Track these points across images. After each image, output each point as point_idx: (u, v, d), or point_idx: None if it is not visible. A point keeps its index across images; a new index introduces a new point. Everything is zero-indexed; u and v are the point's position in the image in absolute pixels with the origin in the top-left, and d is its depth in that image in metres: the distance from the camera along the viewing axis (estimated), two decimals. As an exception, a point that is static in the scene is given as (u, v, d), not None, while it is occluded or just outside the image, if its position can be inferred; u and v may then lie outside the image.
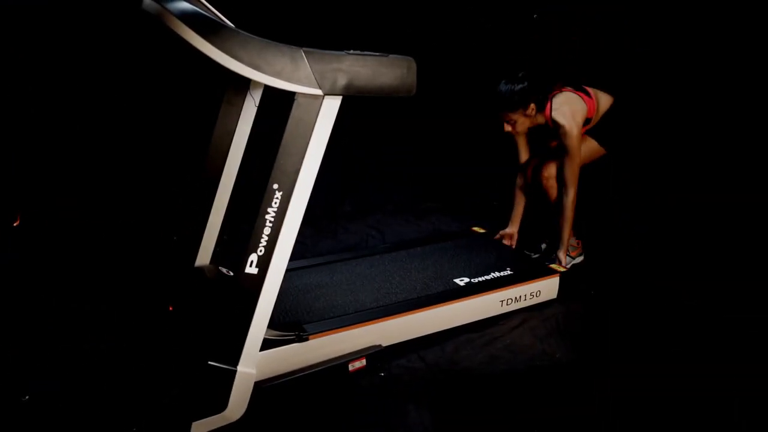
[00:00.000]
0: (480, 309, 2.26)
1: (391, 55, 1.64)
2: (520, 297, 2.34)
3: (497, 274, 2.41)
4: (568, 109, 2.48)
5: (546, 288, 2.41)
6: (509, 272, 2.43)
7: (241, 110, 1.98)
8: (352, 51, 1.58)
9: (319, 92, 1.55)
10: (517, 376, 1.99)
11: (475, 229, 2.94)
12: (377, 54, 1.62)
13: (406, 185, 3.84)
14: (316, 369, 1.84)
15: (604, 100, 2.62)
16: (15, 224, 2.85)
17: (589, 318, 2.38)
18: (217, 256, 2.10)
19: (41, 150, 3.36)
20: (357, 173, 3.92)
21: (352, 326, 1.96)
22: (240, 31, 1.47)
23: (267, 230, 1.59)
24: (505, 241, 2.79)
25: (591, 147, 2.62)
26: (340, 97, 1.59)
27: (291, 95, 1.55)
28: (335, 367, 1.87)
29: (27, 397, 1.71)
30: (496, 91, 2.48)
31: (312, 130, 1.57)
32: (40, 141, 3.39)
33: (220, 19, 1.70)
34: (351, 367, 1.89)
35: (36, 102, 3.40)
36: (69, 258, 2.57)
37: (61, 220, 2.91)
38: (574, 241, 2.75)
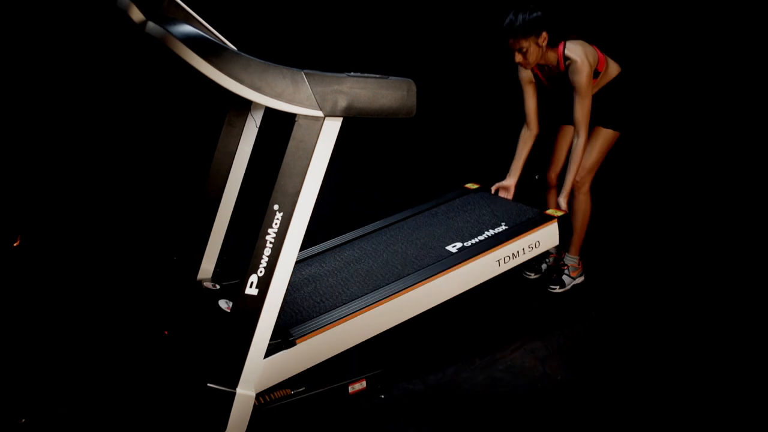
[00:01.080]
0: (476, 274, 2.15)
1: (391, 77, 1.65)
2: (518, 252, 2.22)
3: (491, 231, 2.28)
4: (581, 50, 2.44)
5: (545, 237, 2.29)
6: (504, 227, 2.30)
7: (242, 131, 1.99)
8: (352, 73, 1.60)
9: (320, 114, 1.56)
10: (519, 399, 1.97)
11: (468, 185, 2.77)
12: (377, 76, 1.63)
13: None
14: (315, 392, 1.81)
15: (613, 66, 2.59)
16: (15, 244, 2.84)
17: (590, 339, 2.37)
18: (218, 276, 2.10)
19: (41, 167, 3.38)
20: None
21: (341, 321, 1.86)
22: (242, 53, 1.48)
23: (267, 251, 1.59)
24: (501, 194, 2.67)
25: (604, 138, 2.59)
26: (341, 118, 1.60)
27: (292, 117, 1.56)
28: (334, 389, 1.85)
29: (24, 420, 1.70)
30: (508, 19, 2.40)
31: (313, 151, 1.58)
32: (41, 158, 3.41)
33: (223, 41, 1.72)
34: (351, 389, 1.88)
35: (37, 120, 3.43)
36: (69, 277, 2.57)
37: (62, 239, 2.91)
38: (575, 261, 2.75)
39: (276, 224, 1.59)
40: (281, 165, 1.58)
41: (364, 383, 1.90)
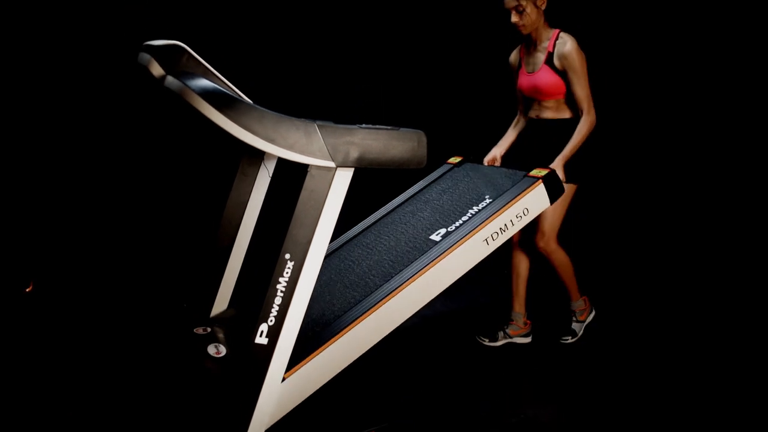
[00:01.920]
0: (464, 260, 2.00)
1: (402, 129, 1.68)
2: (506, 225, 2.07)
3: (476, 208, 2.14)
4: (575, 40, 2.44)
5: (533, 201, 2.13)
6: (488, 201, 2.16)
7: (255, 180, 2.02)
8: (364, 125, 1.63)
9: (332, 164, 1.58)
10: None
11: (451, 160, 2.61)
12: (388, 127, 1.66)
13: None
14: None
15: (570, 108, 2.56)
16: (27, 290, 2.86)
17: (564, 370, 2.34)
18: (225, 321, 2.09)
19: (54, 214, 3.43)
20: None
21: (327, 344, 1.75)
22: (256, 106, 1.52)
23: (278, 300, 1.59)
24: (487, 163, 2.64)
25: (563, 196, 2.45)
26: (352, 169, 1.62)
27: (304, 167, 1.59)
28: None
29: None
30: None
31: (324, 201, 1.60)
32: (54, 205, 3.46)
33: (238, 94, 1.77)
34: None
35: (55, 167, 3.50)
36: (79, 322, 2.57)
37: (74, 286, 2.93)
38: (581, 304, 2.73)
39: (287, 273, 1.59)
40: (293, 214, 1.59)
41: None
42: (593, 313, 2.79)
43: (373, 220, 2.38)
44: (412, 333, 2.77)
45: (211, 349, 1.90)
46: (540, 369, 2.51)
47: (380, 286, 1.93)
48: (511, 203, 2.08)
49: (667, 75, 3.70)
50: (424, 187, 2.46)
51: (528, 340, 2.73)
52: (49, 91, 3.44)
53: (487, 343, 2.68)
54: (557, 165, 2.41)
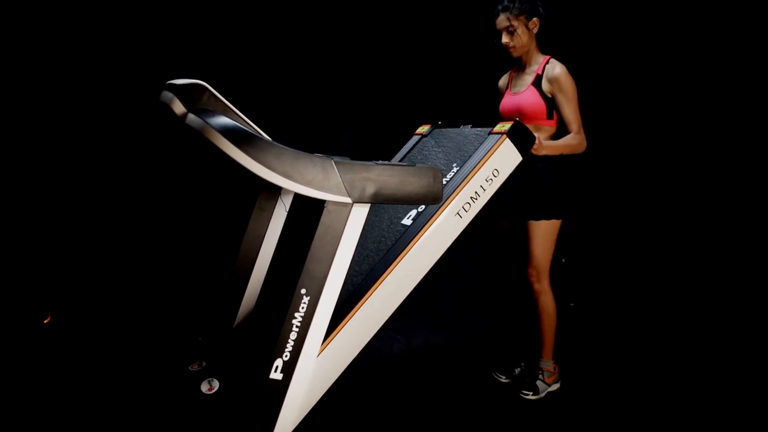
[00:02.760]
0: (439, 240, 1.87)
1: (417, 165, 1.71)
2: (477, 193, 1.92)
3: (444, 181, 1.97)
4: (565, 67, 2.39)
5: (501, 160, 1.97)
6: (455, 169, 1.99)
7: (272, 215, 2.05)
8: (380, 162, 1.66)
9: (349, 200, 1.60)
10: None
11: (420, 130, 2.45)
12: (404, 164, 1.69)
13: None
14: None
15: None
16: (45, 321, 2.89)
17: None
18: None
19: (72, 246, 3.47)
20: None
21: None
22: (275, 143, 1.55)
23: (293, 335, 1.60)
24: None
25: (549, 230, 2.42)
26: (368, 204, 1.64)
27: (321, 202, 1.61)
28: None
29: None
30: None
31: (341, 237, 1.61)
32: (71, 236, 3.51)
33: (258, 132, 1.81)
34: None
35: (62, 194, 3.55)
36: (93, 356, 2.59)
37: (89, 318, 2.95)
38: (550, 366, 2.53)
39: (303, 308, 1.60)
40: (309, 249, 1.61)
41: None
42: (559, 385, 2.55)
43: None
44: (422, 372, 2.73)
45: (204, 386, 1.85)
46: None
47: (350, 291, 1.81)
48: (477, 168, 1.93)
49: (657, 112, 3.70)
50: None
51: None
52: (57, 105, 3.50)
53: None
54: (541, 148, 2.23)
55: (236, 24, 3.65)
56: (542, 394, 2.47)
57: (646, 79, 3.63)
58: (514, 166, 2.00)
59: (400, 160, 2.30)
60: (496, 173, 1.96)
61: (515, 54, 2.45)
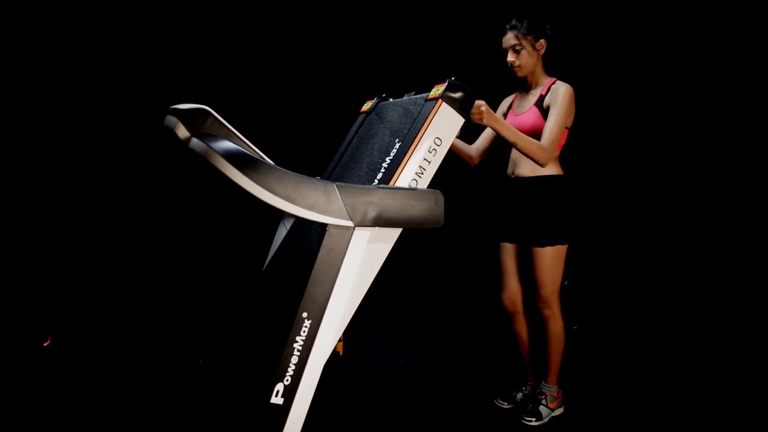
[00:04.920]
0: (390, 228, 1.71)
1: (419, 188, 1.72)
2: (422, 168, 1.75)
3: (388, 160, 1.81)
4: (571, 89, 2.37)
5: (441, 127, 1.78)
6: (398, 145, 1.82)
7: (273, 237, 2.05)
8: (381, 185, 1.66)
9: (350, 224, 1.61)
10: None
11: (364, 108, 2.25)
12: (406, 188, 1.69)
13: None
14: None
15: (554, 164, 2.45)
16: (45, 344, 2.87)
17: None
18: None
19: (74, 269, 3.47)
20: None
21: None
22: (277, 167, 1.56)
23: (294, 359, 1.59)
24: None
25: (556, 256, 2.40)
26: (370, 228, 1.65)
27: (323, 226, 1.61)
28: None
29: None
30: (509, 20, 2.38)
31: (342, 260, 1.62)
32: (73, 260, 3.51)
33: (261, 156, 1.82)
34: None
35: (61, 216, 3.56)
36: (94, 357, 2.56)
37: (90, 320, 2.93)
38: (554, 391, 2.51)
39: (304, 332, 1.59)
40: (311, 273, 1.61)
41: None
42: (563, 409, 2.54)
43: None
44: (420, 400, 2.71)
45: None
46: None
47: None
48: (416, 140, 1.77)
49: (658, 131, 3.71)
50: (343, 152, 2.14)
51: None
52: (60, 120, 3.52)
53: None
54: (487, 115, 2.12)
55: (237, 25, 3.66)
56: (545, 420, 2.44)
57: (649, 103, 3.65)
58: (458, 129, 1.83)
59: (348, 145, 2.15)
60: (438, 142, 1.78)
61: (520, 74, 2.43)
